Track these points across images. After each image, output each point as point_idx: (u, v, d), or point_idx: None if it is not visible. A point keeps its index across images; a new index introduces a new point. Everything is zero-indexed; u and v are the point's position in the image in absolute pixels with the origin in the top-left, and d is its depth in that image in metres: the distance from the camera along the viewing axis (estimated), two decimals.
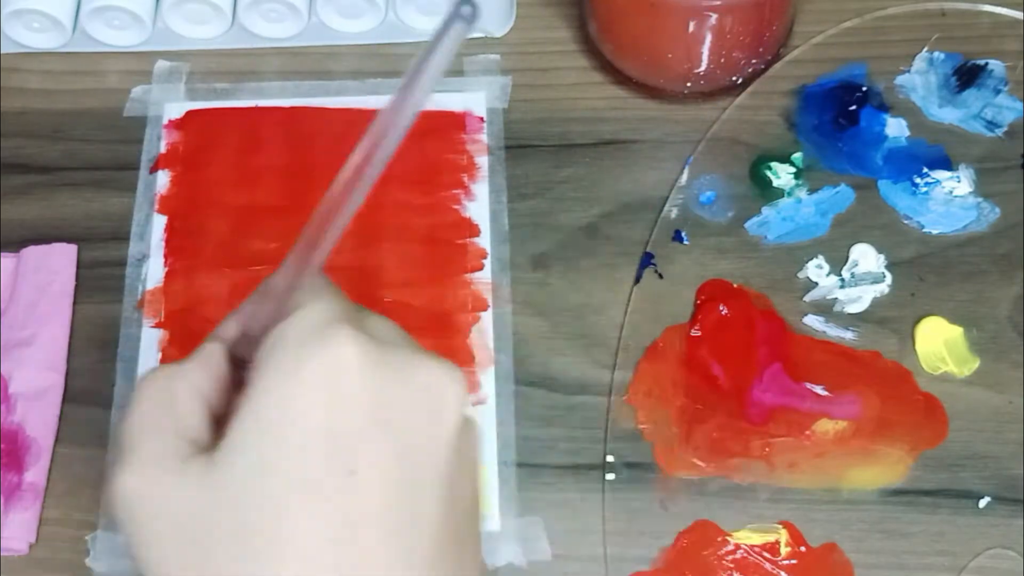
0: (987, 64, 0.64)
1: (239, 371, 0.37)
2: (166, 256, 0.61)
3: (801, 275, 0.60)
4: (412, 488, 0.34)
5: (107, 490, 0.34)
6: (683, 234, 0.61)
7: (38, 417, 0.57)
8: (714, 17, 0.59)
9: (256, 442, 0.33)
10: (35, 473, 0.55)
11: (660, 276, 0.60)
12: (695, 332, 0.58)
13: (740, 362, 0.57)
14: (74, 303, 0.60)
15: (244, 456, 0.33)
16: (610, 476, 0.55)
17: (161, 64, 0.66)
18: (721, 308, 0.58)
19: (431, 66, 0.33)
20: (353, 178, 0.35)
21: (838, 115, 0.63)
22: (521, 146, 0.64)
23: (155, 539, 0.33)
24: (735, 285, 0.59)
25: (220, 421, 0.35)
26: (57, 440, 0.57)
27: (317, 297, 0.35)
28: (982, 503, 0.54)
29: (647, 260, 0.60)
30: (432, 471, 0.34)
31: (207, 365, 0.37)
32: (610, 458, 0.56)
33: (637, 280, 0.60)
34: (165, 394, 0.35)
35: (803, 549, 0.53)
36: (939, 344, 0.57)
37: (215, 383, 0.36)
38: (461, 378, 0.36)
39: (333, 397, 0.33)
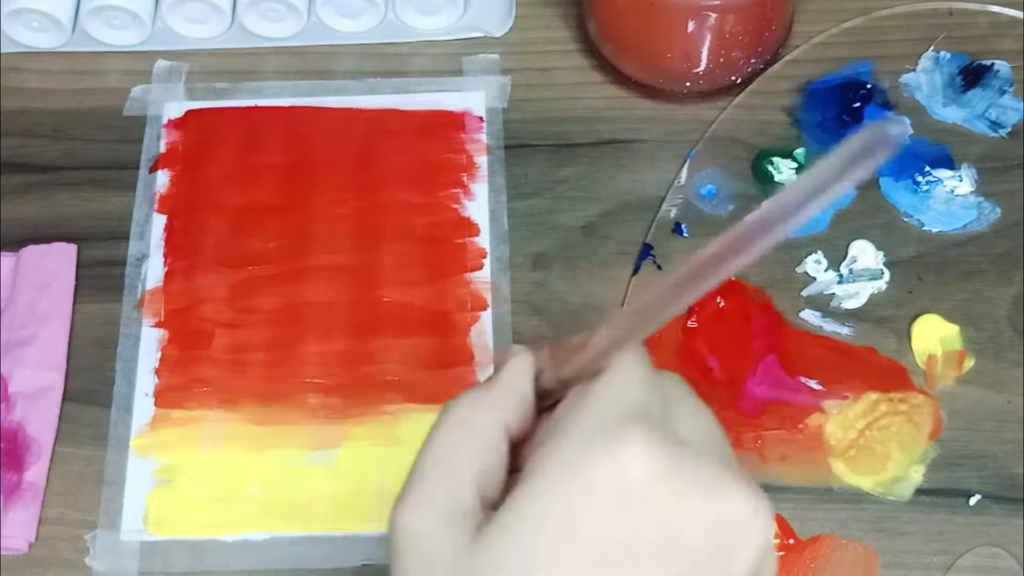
0: (993, 64, 0.64)
1: (542, 402, 0.35)
2: (166, 255, 0.61)
3: (799, 270, 0.60)
4: None
5: (390, 513, 0.32)
6: (683, 226, 0.61)
7: (38, 416, 0.57)
8: (713, 17, 0.59)
9: (524, 534, 0.30)
10: (35, 472, 0.55)
11: (659, 267, 0.60)
12: (691, 323, 0.58)
13: (735, 354, 0.57)
14: (74, 302, 0.60)
15: (511, 544, 0.30)
16: None
17: (161, 64, 0.66)
18: (718, 300, 0.58)
19: (830, 185, 0.26)
20: (699, 270, 0.29)
21: (842, 112, 0.63)
22: (520, 146, 0.64)
23: None
24: (733, 278, 0.59)
25: (516, 455, 0.33)
26: (57, 439, 0.57)
27: (624, 370, 0.32)
28: (972, 501, 0.54)
29: (646, 251, 0.60)
30: None
31: (515, 397, 0.34)
32: None
33: (636, 271, 0.60)
34: (468, 425, 0.33)
35: (791, 541, 0.53)
36: (935, 342, 0.57)
37: (520, 412, 0.34)
38: (767, 511, 0.31)
39: (612, 507, 0.30)
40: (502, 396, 0.34)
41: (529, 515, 0.30)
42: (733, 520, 0.30)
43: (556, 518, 0.30)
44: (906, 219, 0.61)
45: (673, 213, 0.61)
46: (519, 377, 0.34)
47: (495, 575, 0.30)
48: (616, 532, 0.30)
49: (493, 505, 0.32)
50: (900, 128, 0.25)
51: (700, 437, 0.33)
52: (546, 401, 0.35)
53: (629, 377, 0.32)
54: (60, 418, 0.57)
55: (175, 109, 0.65)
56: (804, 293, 0.59)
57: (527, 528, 0.30)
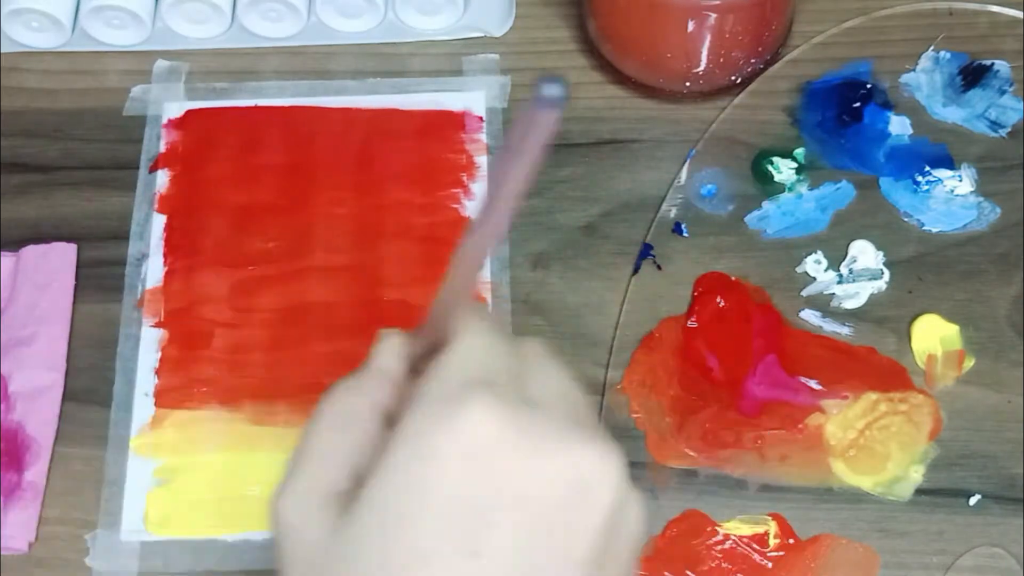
0: (993, 64, 0.64)
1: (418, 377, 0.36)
2: (166, 255, 0.61)
3: (799, 270, 0.60)
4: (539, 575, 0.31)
5: (269, 502, 0.34)
6: (683, 226, 0.61)
7: (38, 416, 0.57)
8: (713, 17, 0.59)
9: (384, 505, 0.31)
10: (35, 472, 0.55)
11: (659, 267, 0.60)
12: (692, 323, 0.58)
13: (735, 354, 0.57)
14: (74, 302, 0.60)
15: (372, 516, 0.31)
16: None
17: (161, 63, 0.66)
18: (718, 300, 0.58)
19: (518, 166, 0.30)
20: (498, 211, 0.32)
21: (842, 112, 0.63)
22: None
23: (288, 569, 0.33)
24: (733, 278, 0.59)
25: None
26: (57, 439, 0.57)
27: (466, 339, 0.33)
28: (972, 500, 0.54)
29: (646, 251, 0.60)
30: (567, 560, 0.31)
31: (386, 378, 0.35)
32: None
33: (636, 271, 0.60)
34: (342, 412, 0.35)
35: (791, 541, 0.53)
36: (935, 342, 0.57)
37: (394, 393, 0.35)
38: (618, 460, 0.32)
39: (462, 472, 0.31)
40: (371, 379, 0.35)
41: (384, 486, 0.31)
42: (583, 470, 0.32)
43: (408, 487, 0.31)
44: (906, 219, 0.61)
45: (673, 213, 0.61)
46: (387, 358, 0.36)
47: (358, 547, 0.31)
48: (468, 493, 0.31)
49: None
50: (556, 88, 0.28)
51: (554, 395, 0.34)
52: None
53: (471, 344, 0.33)
54: (60, 418, 0.57)
55: (175, 109, 0.65)
56: (804, 293, 0.59)
57: (383, 499, 0.31)
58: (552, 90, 0.28)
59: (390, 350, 0.36)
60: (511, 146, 0.30)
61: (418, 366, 0.36)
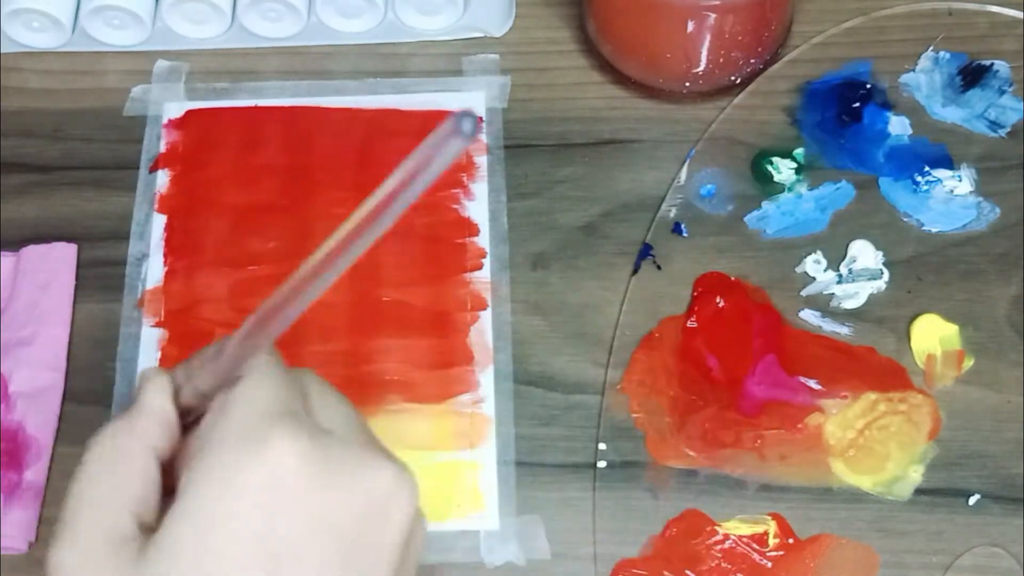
0: (992, 64, 0.64)
1: (185, 418, 0.36)
2: (166, 255, 0.61)
3: (799, 270, 0.60)
4: None
5: (47, 554, 0.33)
6: (682, 226, 0.61)
7: (38, 416, 0.57)
8: (713, 17, 0.59)
9: (188, 547, 0.31)
10: (35, 472, 0.56)
11: (658, 267, 0.60)
12: (691, 323, 0.58)
13: (735, 354, 0.57)
14: (74, 302, 0.60)
15: (175, 559, 0.31)
16: (601, 463, 0.55)
17: (161, 64, 0.66)
18: (718, 300, 0.58)
19: (415, 181, 0.30)
20: (315, 270, 0.33)
21: (841, 112, 0.63)
22: (520, 146, 0.64)
23: None
24: (732, 278, 0.59)
25: (168, 474, 0.34)
26: (57, 439, 0.57)
27: (261, 374, 0.34)
28: (971, 500, 0.54)
29: (646, 251, 0.60)
30: None
31: (159, 420, 0.35)
32: (602, 446, 0.56)
33: (635, 271, 0.60)
34: (115, 455, 0.34)
35: (791, 541, 0.53)
36: (934, 342, 0.57)
37: (166, 434, 0.35)
38: (412, 480, 0.34)
39: (269, 505, 0.31)
40: (143, 421, 0.35)
41: (188, 529, 0.31)
42: (381, 492, 0.33)
43: (213, 523, 0.31)
44: (905, 219, 0.61)
45: (673, 213, 0.61)
46: (157, 398, 0.35)
47: None
48: (275, 526, 0.31)
49: (151, 529, 0.32)
50: (469, 123, 0.27)
51: (341, 424, 0.35)
52: (189, 417, 0.36)
53: (266, 379, 0.34)
54: (60, 418, 0.57)
55: (175, 109, 0.65)
56: (804, 293, 0.59)
57: (187, 542, 0.31)
58: (466, 124, 0.28)
59: (159, 389, 0.36)
60: (405, 173, 0.30)
61: (189, 402, 0.36)
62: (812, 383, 0.56)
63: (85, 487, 0.34)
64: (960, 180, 0.61)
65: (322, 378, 0.37)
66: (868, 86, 0.64)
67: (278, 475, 0.31)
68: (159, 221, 0.62)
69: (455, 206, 0.62)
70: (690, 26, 0.60)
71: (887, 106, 0.64)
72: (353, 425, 0.36)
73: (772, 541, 0.54)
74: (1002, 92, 0.64)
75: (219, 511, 0.31)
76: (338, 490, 0.32)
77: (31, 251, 0.61)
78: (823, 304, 0.59)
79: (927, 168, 0.62)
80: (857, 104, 0.64)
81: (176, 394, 0.36)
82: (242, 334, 0.34)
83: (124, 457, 0.34)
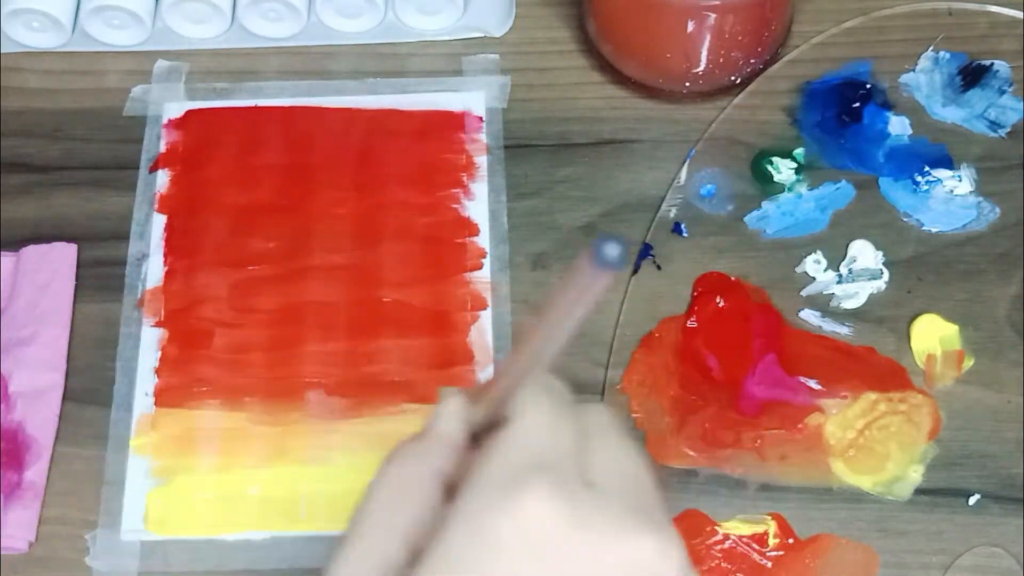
0: (992, 64, 0.64)
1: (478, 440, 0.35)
2: (166, 255, 0.61)
3: (799, 270, 0.60)
4: None
5: (325, 570, 0.33)
6: (682, 226, 0.61)
7: (38, 416, 0.57)
8: (713, 17, 0.59)
9: None
10: (35, 472, 0.56)
11: (658, 267, 0.60)
12: (691, 323, 0.58)
13: (735, 354, 0.57)
14: (74, 302, 0.60)
15: None
16: None
17: (161, 64, 0.66)
18: (718, 300, 0.58)
19: (567, 317, 0.30)
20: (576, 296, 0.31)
21: (841, 112, 0.63)
22: (520, 145, 0.64)
23: None
24: (732, 278, 0.59)
25: (451, 495, 0.34)
26: (57, 439, 0.57)
27: (525, 418, 0.33)
28: (971, 500, 0.54)
29: (645, 251, 0.60)
30: None
31: (449, 446, 0.34)
32: None
33: (635, 271, 0.60)
34: (401, 481, 0.34)
35: (791, 541, 0.53)
36: (934, 342, 0.57)
37: (455, 459, 0.34)
38: (679, 550, 0.31)
39: (520, 557, 0.30)
40: (433, 446, 0.34)
41: (438, 566, 0.31)
42: (641, 562, 0.31)
43: (462, 569, 0.30)
44: (905, 219, 0.61)
45: (673, 213, 0.61)
46: (450, 423, 0.35)
47: None
48: None
49: None
50: (617, 250, 0.27)
51: (616, 475, 0.33)
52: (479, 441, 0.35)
53: (533, 425, 0.33)
54: (60, 418, 0.57)
55: (175, 109, 0.65)
56: (804, 293, 0.59)
57: None
58: (611, 251, 0.27)
59: (453, 414, 0.35)
60: (559, 302, 0.30)
61: (478, 434, 0.35)
62: (812, 383, 0.56)
63: (370, 508, 0.33)
64: (960, 180, 0.61)
65: (614, 419, 0.35)
66: (868, 86, 0.64)
67: (528, 529, 0.30)
68: (159, 221, 0.62)
69: (455, 206, 0.62)
70: (690, 26, 0.60)
71: (887, 106, 0.64)
72: (629, 479, 0.33)
73: (772, 541, 0.54)
74: (1002, 92, 0.64)
75: (468, 558, 0.31)
76: (593, 553, 0.31)
77: (31, 251, 0.61)
78: (823, 304, 0.59)
79: (927, 168, 0.62)
80: (857, 104, 0.64)
81: (470, 420, 0.36)
82: (504, 374, 0.34)
83: (409, 483, 0.34)
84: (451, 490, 0.34)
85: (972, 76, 0.64)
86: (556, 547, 0.30)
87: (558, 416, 0.33)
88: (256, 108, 0.65)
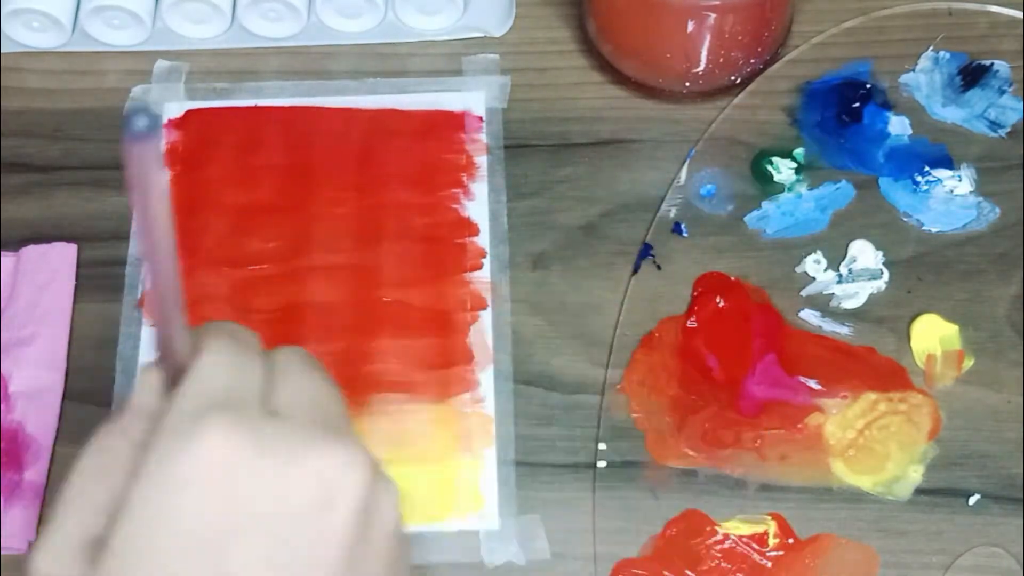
0: (992, 64, 0.64)
1: None
2: None
3: (799, 270, 0.60)
4: None
5: (26, 559, 0.33)
6: (682, 226, 0.61)
7: (38, 416, 0.57)
8: (713, 17, 0.59)
9: (131, 542, 0.31)
10: (35, 472, 0.56)
11: (658, 267, 0.60)
12: (691, 323, 0.58)
13: (735, 354, 0.57)
14: (74, 302, 0.60)
15: (120, 556, 0.31)
16: (601, 463, 0.55)
17: (161, 64, 0.66)
18: (718, 300, 0.58)
19: (144, 200, 0.30)
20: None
21: (841, 112, 0.63)
22: (520, 145, 0.64)
23: None
24: (732, 278, 0.59)
25: None
26: (57, 439, 0.57)
27: (203, 362, 0.33)
28: (971, 500, 0.54)
29: (646, 251, 0.60)
30: (319, 566, 0.32)
31: (146, 416, 0.34)
32: (602, 446, 0.56)
33: (635, 271, 0.60)
34: (101, 457, 0.34)
35: (791, 541, 0.53)
36: (934, 342, 0.57)
37: (153, 427, 0.34)
38: (364, 461, 0.33)
39: (206, 496, 0.31)
40: (131, 418, 0.34)
41: (128, 523, 0.31)
42: (326, 477, 0.32)
43: (153, 520, 0.31)
44: (905, 219, 0.61)
45: (673, 213, 0.62)
46: (146, 394, 0.35)
47: None
48: (212, 519, 0.31)
49: None
50: (143, 120, 0.28)
51: (303, 403, 0.34)
52: None
53: (206, 367, 0.33)
54: (60, 418, 0.57)
55: (175, 109, 0.65)
56: (803, 293, 0.59)
57: (129, 537, 0.31)
58: (140, 122, 0.28)
59: (147, 386, 0.35)
60: (131, 186, 0.30)
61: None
62: (812, 383, 0.56)
63: (69, 490, 0.33)
64: (960, 180, 0.61)
65: (305, 358, 0.36)
66: (868, 86, 0.64)
67: (210, 467, 0.31)
68: None
69: (455, 206, 0.62)
70: (690, 26, 0.60)
71: (887, 106, 0.64)
72: (316, 406, 0.35)
73: (772, 541, 0.54)
74: (1002, 92, 0.64)
75: (158, 505, 0.31)
76: (276, 476, 0.31)
77: (31, 251, 0.61)
78: (823, 304, 0.59)
79: (927, 168, 0.62)
80: (857, 104, 0.64)
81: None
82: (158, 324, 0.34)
83: (109, 456, 0.34)
84: None
85: (972, 76, 0.64)
86: (240, 475, 0.31)
87: (239, 356, 0.34)
88: (256, 108, 0.65)
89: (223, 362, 0.34)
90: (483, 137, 0.64)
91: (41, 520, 0.55)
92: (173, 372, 0.34)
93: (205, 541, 0.31)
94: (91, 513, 0.33)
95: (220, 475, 0.31)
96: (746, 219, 0.61)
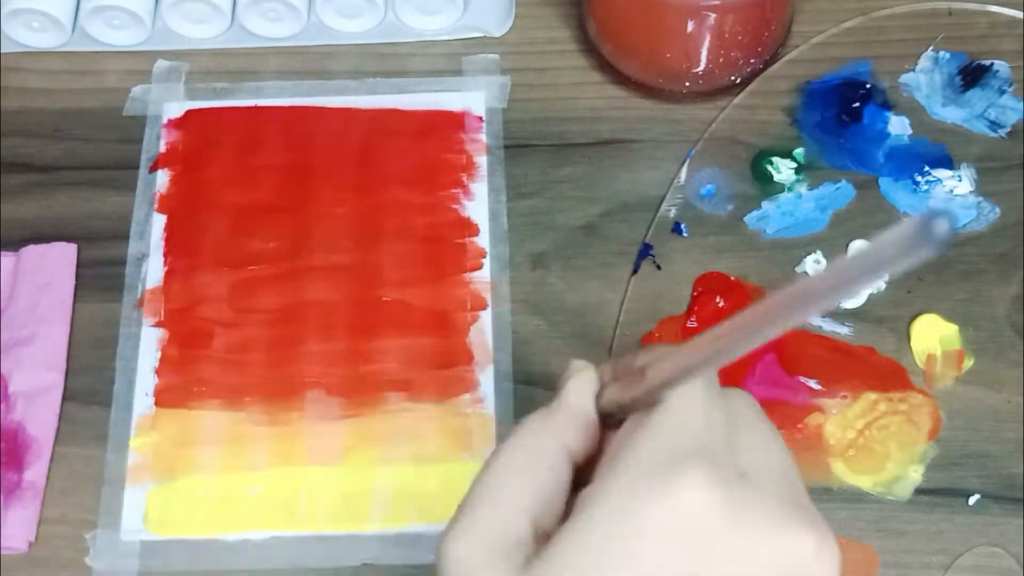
0: (992, 64, 0.64)
1: (605, 420, 0.34)
2: (166, 255, 0.61)
3: (799, 270, 0.60)
4: None
5: (438, 540, 0.31)
6: (682, 226, 0.61)
7: (38, 416, 0.57)
8: (713, 17, 0.59)
9: (579, 566, 0.29)
10: (35, 472, 0.56)
11: (658, 267, 0.60)
12: (691, 323, 0.58)
13: None
14: (74, 302, 0.60)
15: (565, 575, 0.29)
16: None
17: (161, 63, 0.66)
18: (718, 300, 0.58)
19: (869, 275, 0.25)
20: (781, 313, 0.28)
21: (841, 112, 0.63)
22: (520, 145, 0.64)
23: None
24: (732, 278, 0.59)
25: (580, 472, 0.33)
26: (57, 439, 0.57)
27: (684, 401, 0.31)
28: (971, 500, 0.54)
29: (645, 251, 0.60)
30: None
31: (578, 420, 0.33)
32: None
33: (635, 271, 0.60)
34: (528, 454, 0.32)
35: None
36: (934, 342, 0.57)
37: (584, 435, 0.33)
38: (832, 552, 0.30)
39: (672, 546, 0.29)
40: (565, 420, 0.33)
41: (578, 552, 0.29)
42: (799, 558, 0.30)
43: (608, 552, 0.29)
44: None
45: (672, 213, 0.61)
46: (582, 397, 0.33)
47: None
48: (673, 570, 0.29)
49: (548, 536, 0.31)
50: (945, 225, 0.23)
51: (766, 469, 0.32)
52: (609, 419, 0.34)
53: (689, 409, 0.31)
54: (60, 418, 0.57)
55: (175, 109, 0.65)
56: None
57: (579, 560, 0.29)
58: (940, 227, 0.23)
59: (584, 388, 0.34)
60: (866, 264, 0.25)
61: (606, 408, 0.34)
62: (812, 383, 0.56)
63: (492, 479, 0.32)
64: (960, 180, 0.61)
65: (756, 404, 0.34)
66: (868, 86, 0.64)
67: (681, 517, 0.29)
68: (159, 221, 0.62)
69: (455, 206, 0.62)
70: (690, 26, 0.60)
71: (887, 106, 0.64)
72: (778, 470, 0.32)
73: None
74: (1002, 92, 0.64)
75: (614, 543, 0.29)
76: (745, 546, 0.29)
77: (31, 251, 0.61)
78: None
79: (927, 168, 0.62)
80: (857, 104, 0.64)
81: (598, 393, 0.34)
82: (678, 360, 0.31)
83: (536, 456, 0.32)
84: (578, 468, 0.33)
85: (972, 76, 0.64)
86: (707, 538, 0.29)
87: (710, 400, 0.32)
88: (256, 108, 0.65)
89: (699, 406, 0.31)
90: (483, 137, 0.64)
91: (42, 520, 0.55)
92: (636, 393, 0.32)
93: None
94: (515, 512, 0.31)
95: (693, 528, 0.29)
96: (746, 219, 0.61)
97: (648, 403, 0.32)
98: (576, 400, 0.33)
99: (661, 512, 0.29)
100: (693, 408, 0.31)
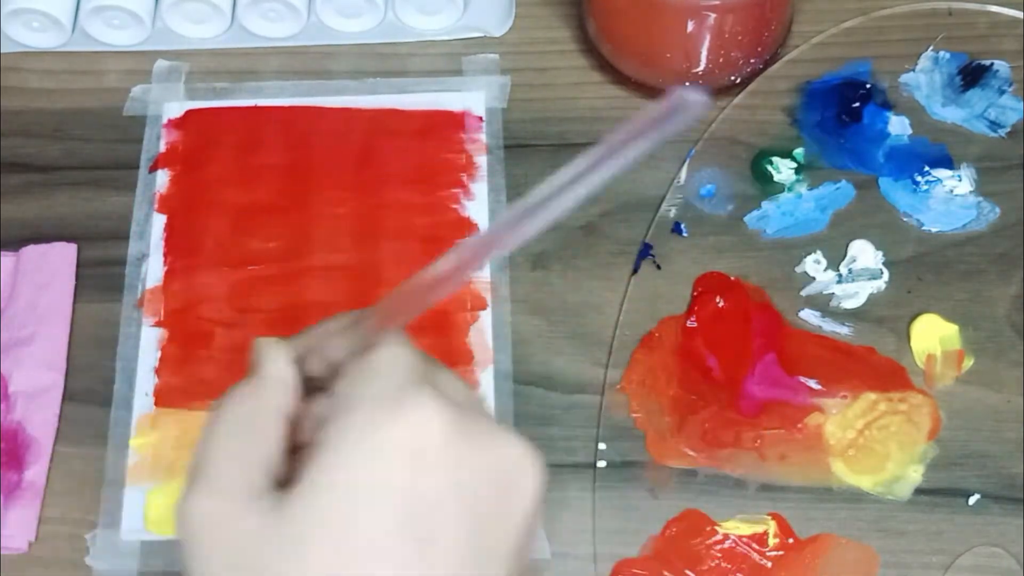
0: (992, 64, 0.64)
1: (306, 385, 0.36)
2: (166, 255, 0.61)
3: (799, 270, 0.60)
4: (484, 562, 0.33)
5: (177, 504, 0.33)
6: (682, 226, 0.61)
7: (38, 416, 0.57)
8: (712, 17, 0.59)
9: (330, 496, 0.32)
10: (35, 472, 0.56)
11: (658, 267, 0.60)
12: (691, 323, 0.58)
13: (735, 354, 0.57)
14: (74, 302, 0.60)
15: (316, 508, 0.32)
16: (601, 463, 0.55)
17: (161, 63, 0.66)
18: (718, 300, 0.58)
19: (620, 152, 0.30)
20: (490, 241, 0.33)
21: (841, 112, 0.63)
22: (520, 145, 0.64)
23: (211, 567, 0.32)
24: (732, 278, 0.59)
25: (294, 445, 0.35)
26: (57, 439, 0.57)
27: (400, 345, 0.35)
28: (971, 500, 0.54)
29: (645, 251, 0.60)
30: (504, 547, 0.33)
31: (283, 385, 0.35)
32: (602, 446, 0.56)
33: (635, 271, 0.60)
34: (246, 418, 0.35)
35: (791, 540, 0.53)
36: (934, 342, 0.57)
37: (291, 399, 0.35)
38: (539, 457, 0.34)
39: (415, 462, 0.32)
40: (271, 386, 0.35)
41: (328, 483, 0.32)
42: (511, 466, 0.34)
43: (356, 483, 0.32)
44: (905, 219, 0.61)
45: (672, 213, 0.62)
46: (279, 365, 0.36)
47: (303, 545, 0.31)
48: (418, 488, 0.32)
49: (281, 486, 0.33)
50: (699, 97, 0.27)
51: (463, 397, 0.35)
52: (310, 385, 0.37)
53: (402, 347, 0.35)
54: (60, 418, 0.57)
55: (175, 109, 0.65)
56: (803, 293, 0.59)
57: (328, 495, 0.32)
58: (694, 96, 0.28)
59: (280, 356, 0.36)
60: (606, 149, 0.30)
61: (314, 373, 0.36)
62: (812, 383, 0.56)
63: (221, 442, 0.34)
64: (960, 180, 0.61)
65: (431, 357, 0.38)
66: (868, 86, 0.64)
67: (422, 438, 0.32)
68: (159, 221, 0.62)
69: (455, 206, 0.62)
70: (690, 26, 0.60)
71: (887, 106, 0.64)
72: (473, 400, 0.37)
73: (772, 541, 0.54)
74: (1002, 92, 0.64)
75: (361, 470, 0.32)
76: (477, 458, 0.33)
77: (31, 251, 0.61)
78: (823, 304, 0.59)
79: (927, 168, 0.62)
80: (857, 104, 0.64)
81: (300, 363, 0.37)
82: (389, 306, 0.35)
83: (255, 419, 0.35)
84: (295, 431, 0.35)
85: (972, 76, 0.64)
86: (442, 453, 0.32)
87: (415, 349, 0.35)
88: (256, 108, 0.65)
89: (409, 348, 0.35)
90: (483, 137, 0.64)
91: (41, 520, 0.55)
92: (347, 349, 0.36)
93: (400, 510, 0.32)
94: (248, 468, 0.33)
95: (429, 447, 0.32)
96: (746, 219, 0.61)
97: (363, 352, 0.35)
98: (275, 366, 0.36)
99: (401, 434, 0.32)
100: (405, 347, 0.35)
